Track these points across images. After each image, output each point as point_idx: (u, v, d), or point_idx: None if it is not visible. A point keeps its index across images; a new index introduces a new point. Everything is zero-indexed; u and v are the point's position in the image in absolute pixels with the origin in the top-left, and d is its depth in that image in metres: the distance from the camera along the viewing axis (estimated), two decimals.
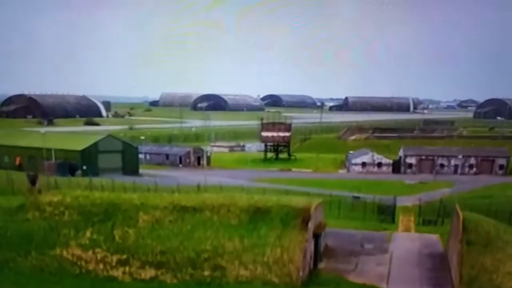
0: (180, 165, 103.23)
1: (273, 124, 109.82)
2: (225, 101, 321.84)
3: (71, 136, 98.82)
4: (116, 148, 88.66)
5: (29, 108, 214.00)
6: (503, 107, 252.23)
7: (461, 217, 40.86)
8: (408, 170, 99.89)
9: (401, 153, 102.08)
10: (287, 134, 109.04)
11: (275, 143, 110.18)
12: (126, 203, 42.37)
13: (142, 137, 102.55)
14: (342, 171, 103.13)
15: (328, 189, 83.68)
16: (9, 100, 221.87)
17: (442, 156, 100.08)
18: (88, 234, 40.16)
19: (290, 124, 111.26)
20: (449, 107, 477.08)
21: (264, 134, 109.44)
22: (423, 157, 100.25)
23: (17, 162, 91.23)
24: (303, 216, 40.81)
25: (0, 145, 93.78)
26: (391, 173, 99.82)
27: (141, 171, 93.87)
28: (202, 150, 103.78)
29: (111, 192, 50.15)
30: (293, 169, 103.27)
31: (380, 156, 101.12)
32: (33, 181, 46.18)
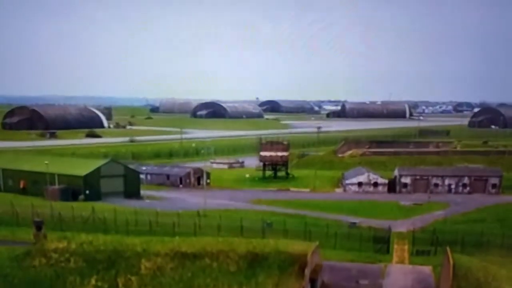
0: (181, 186, 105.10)
1: (271, 144, 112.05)
2: (224, 109, 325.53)
3: (74, 161, 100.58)
4: (118, 173, 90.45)
5: (32, 120, 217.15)
6: (497, 116, 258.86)
7: (451, 263, 42.75)
8: (403, 190, 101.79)
9: (396, 172, 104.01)
10: (285, 153, 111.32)
11: (273, 163, 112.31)
12: (128, 250, 44.26)
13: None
14: (339, 190, 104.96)
15: (325, 212, 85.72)
16: (12, 112, 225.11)
17: (437, 176, 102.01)
18: (93, 281, 42.08)
19: (287, 144, 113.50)
20: (445, 112, 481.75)
21: (262, 154, 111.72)
22: (418, 177, 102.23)
23: (22, 186, 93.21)
24: (300, 263, 42.74)
25: (5, 169, 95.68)
26: (387, 193, 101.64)
27: (142, 192, 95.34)
28: (201, 170, 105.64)
29: (114, 235, 52.07)
30: (291, 189, 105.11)
31: (376, 176, 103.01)
32: (39, 227, 47.96)
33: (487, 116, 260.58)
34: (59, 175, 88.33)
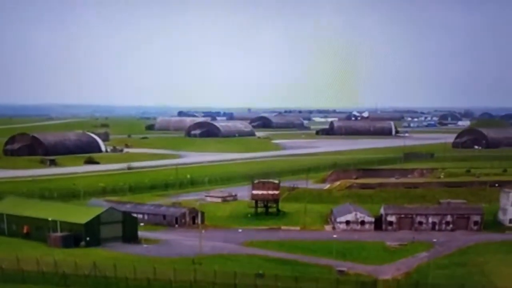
0: (177, 225, 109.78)
1: (263, 183, 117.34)
2: (218, 128, 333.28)
3: (76, 208, 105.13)
4: (117, 219, 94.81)
5: (32, 146, 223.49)
6: (480, 137, 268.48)
7: None
8: (389, 227, 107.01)
9: (382, 211, 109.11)
10: (275, 192, 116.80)
11: (265, 200, 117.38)
12: None
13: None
14: (328, 227, 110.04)
15: (315, 257, 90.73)
16: (13, 138, 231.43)
17: (421, 214, 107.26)
18: None
19: (278, 183, 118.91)
20: (430, 126, 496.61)
21: (254, 192, 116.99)
22: (403, 215, 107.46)
23: (25, 231, 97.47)
24: None
25: (10, 214, 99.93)
26: (373, 230, 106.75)
27: (140, 233, 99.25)
28: (196, 210, 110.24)
29: None
30: (282, 227, 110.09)
31: (363, 214, 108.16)
32: None
33: (470, 138, 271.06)
34: (61, 222, 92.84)
